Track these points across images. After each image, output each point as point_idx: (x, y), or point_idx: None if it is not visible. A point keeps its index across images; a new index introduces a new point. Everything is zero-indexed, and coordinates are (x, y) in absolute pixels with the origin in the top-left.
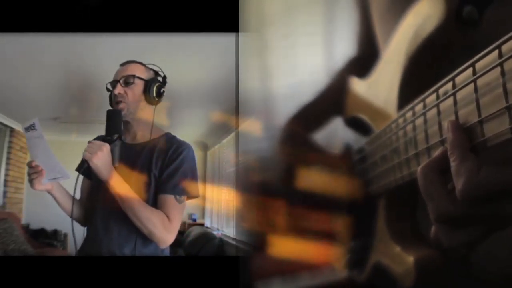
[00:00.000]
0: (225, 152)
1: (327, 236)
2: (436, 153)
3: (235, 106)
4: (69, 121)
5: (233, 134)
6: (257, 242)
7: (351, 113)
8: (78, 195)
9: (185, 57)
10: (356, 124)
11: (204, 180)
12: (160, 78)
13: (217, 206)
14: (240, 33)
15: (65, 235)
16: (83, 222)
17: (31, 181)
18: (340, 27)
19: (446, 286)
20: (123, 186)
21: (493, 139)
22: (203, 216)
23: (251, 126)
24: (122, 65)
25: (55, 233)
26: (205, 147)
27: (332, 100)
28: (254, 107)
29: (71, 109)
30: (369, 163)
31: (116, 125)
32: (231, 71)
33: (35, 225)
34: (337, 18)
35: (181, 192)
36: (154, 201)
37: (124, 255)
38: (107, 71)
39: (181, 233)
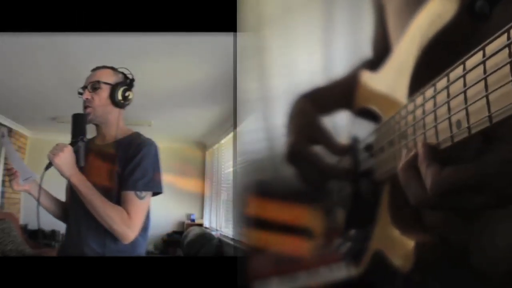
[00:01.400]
0: (223, 152)
1: (324, 232)
2: (411, 154)
3: (233, 106)
4: (67, 121)
5: (231, 134)
6: (255, 242)
7: (361, 105)
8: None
9: (183, 57)
10: (366, 116)
11: (203, 180)
12: (128, 81)
13: (215, 206)
14: (238, 33)
15: (63, 236)
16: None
17: (10, 182)
18: (338, 26)
19: (443, 272)
20: (85, 184)
21: (444, 142)
22: (201, 216)
23: (249, 126)
24: (92, 70)
25: (53, 233)
26: (203, 147)
27: (343, 91)
28: (252, 107)
29: (69, 109)
30: (376, 149)
31: (79, 128)
32: (229, 71)
33: (33, 225)
34: (335, 18)
35: (141, 188)
36: (119, 199)
37: (98, 253)
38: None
39: (180, 233)
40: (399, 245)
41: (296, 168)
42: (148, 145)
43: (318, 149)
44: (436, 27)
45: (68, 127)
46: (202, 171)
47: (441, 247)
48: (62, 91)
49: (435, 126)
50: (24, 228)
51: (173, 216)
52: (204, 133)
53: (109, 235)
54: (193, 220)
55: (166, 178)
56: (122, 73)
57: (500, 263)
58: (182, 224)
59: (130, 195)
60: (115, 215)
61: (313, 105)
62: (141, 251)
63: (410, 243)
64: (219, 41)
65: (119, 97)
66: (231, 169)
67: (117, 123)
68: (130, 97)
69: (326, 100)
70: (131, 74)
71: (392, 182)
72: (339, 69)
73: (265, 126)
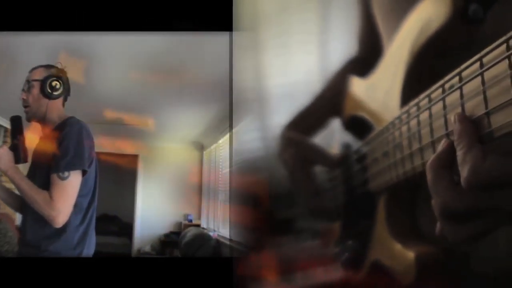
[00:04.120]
0: (221, 152)
1: (323, 236)
2: (441, 147)
3: (229, 106)
4: None
5: (228, 134)
6: (252, 243)
7: (350, 113)
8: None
9: (179, 56)
10: (356, 124)
11: (201, 181)
12: (57, 73)
13: (213, 207)
14: (234, 32)
15: None
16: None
17: None
18: (334, 26)
19: (446, 283)
20: (18, 176)
21: (500, 129)
22: (199, 217)
23: (246, 126)
24: (29, 72)
25: None
26: (201, 147)
27: (330, 101)
28: (249, 107)
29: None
30: (369, 160)
31: (16, 128)
32: (225, 71)
33: None
34: (331, 17)
35: (62, 169)
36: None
37: (32, 238)
38: (105, 70)
39: (177, 233)
40: (399, 258)
41: (298, 189)
42: (69, 125)
43: (315, 168)
44: (428, 33)
45: None
46: (199, 172)
47: (443, 257)
48: None
49: (432, 137)
50: (20, 229)
51: (171, 216)
52: (202, 133)
53: (43, 220)
54: (190, 221)
55: (165, 178)
56: (56, 67)
57: (500, 263)
58: (179, 224)
59: (54, 177)
60: (39, 199)
61: (300, 130)
62: (74, 233)
63: (410, 255)
64: (215, 40)
65: (48, 89)
66: (228, 169)
67: (52, 114)
68: (58, 86)
69: (313, 119)
70: (62, 66)
71: (388, 194)
72: (335, 69)
73: (262, 126)
